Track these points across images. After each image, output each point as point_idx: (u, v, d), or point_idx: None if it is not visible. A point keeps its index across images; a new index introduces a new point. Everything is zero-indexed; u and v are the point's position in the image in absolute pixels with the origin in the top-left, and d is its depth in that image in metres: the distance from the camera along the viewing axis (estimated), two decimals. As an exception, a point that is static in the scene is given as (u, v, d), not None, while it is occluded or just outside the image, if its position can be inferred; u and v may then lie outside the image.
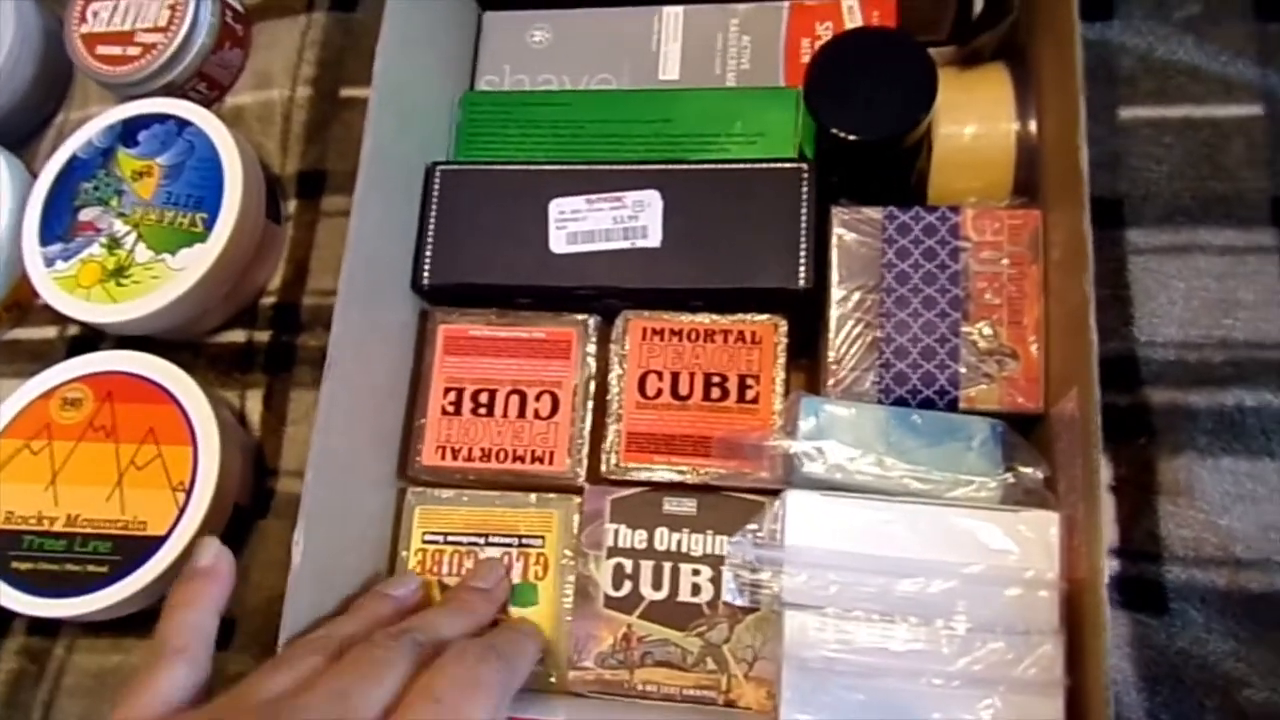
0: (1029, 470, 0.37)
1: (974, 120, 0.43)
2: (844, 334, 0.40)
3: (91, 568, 0.45)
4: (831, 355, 0.40)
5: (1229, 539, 0.42)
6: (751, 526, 0.38)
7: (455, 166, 0.47)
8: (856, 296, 0.41)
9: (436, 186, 0.46)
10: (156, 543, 0.45)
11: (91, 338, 0.55)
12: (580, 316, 0.45)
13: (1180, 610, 0.42)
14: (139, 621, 0.48)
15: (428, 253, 0.46)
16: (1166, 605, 0.42)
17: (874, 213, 0.41)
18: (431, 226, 0.46)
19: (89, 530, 0.46)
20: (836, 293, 0.41)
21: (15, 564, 0.46)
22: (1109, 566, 0.42)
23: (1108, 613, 0.32)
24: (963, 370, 0.39)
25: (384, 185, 0.43)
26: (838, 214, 0.41)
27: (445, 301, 0.47)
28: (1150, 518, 0.43)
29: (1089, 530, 0.33)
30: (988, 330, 0.40)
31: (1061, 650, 0.34)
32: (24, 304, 0.56)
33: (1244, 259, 0.46)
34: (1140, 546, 0.43)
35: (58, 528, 0.46)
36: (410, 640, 0.34)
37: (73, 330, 0.56)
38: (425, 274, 0.46)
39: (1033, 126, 0.43)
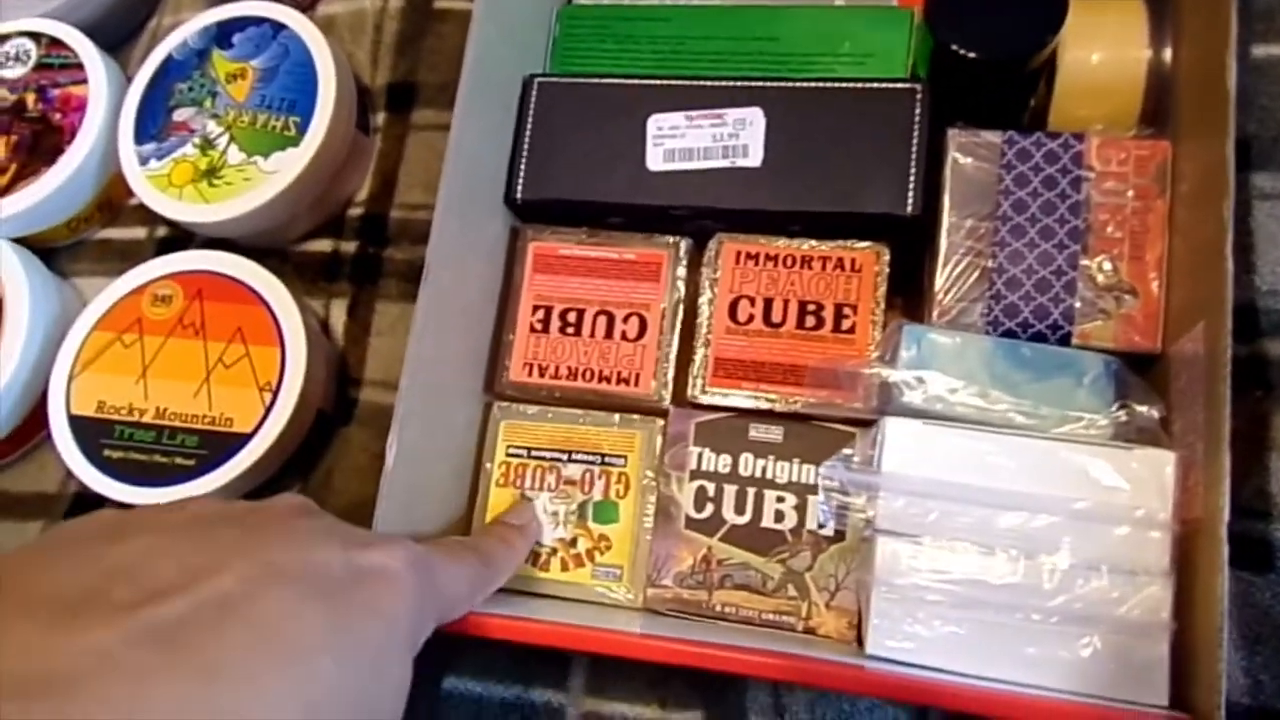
0: (1144, 409, 0.35)
1: (1103, 45, 0.41)
2: (954, 263, 0.39)
3: (179, 460, 0.46)
4: (939, 284, 0.39)
5: (1344, 501, 0.40)
6: (847, 452, 0.37)
7: (553, 79, 0.46)
8: (969, 224, 0.39)
9: (533, 99, 0.46)
10: (242, 440, 0.46)
11: (180, 239, 0.55)
12: (671, 239, 0.44)
13: (1288, 570, 0.40)
14: (221, 518, 0.48)
15: (522, 166, 0.45)
16: (1273, 564, 0.40)
17: (993, 137, 0.39)
18: (527, 140, 0.45)
19: (177, 424, 0.47)
20: (948, 219, 0.39)
21: (107, 451, 0.47)
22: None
23: (1225, 554, 0.30)
24: (1078, 305, 0.38)
25: (484, 97, 0.43)
26: (954, 137, 0.40)
27: (537, 217, 0.46)
28: (1262, 474, 0.41)
29: (1211, 469, 0.32)
30: (1108, 265, 0.38)
31: (1170, 593, 0.33)
32: (116, 203, 0.57)
33: (1380, 209, 0.43)
34: (1248, 503, 0.41)
35: (147, 419, 0.47)
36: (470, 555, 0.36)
37: (162, 232, 0.56)
38: (519, 188, 0.45)
39: (1167, 55, 0.40)
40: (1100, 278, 0.38)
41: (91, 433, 0.48)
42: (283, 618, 0.25)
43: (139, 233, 0.57)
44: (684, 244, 0.45)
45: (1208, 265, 0.34)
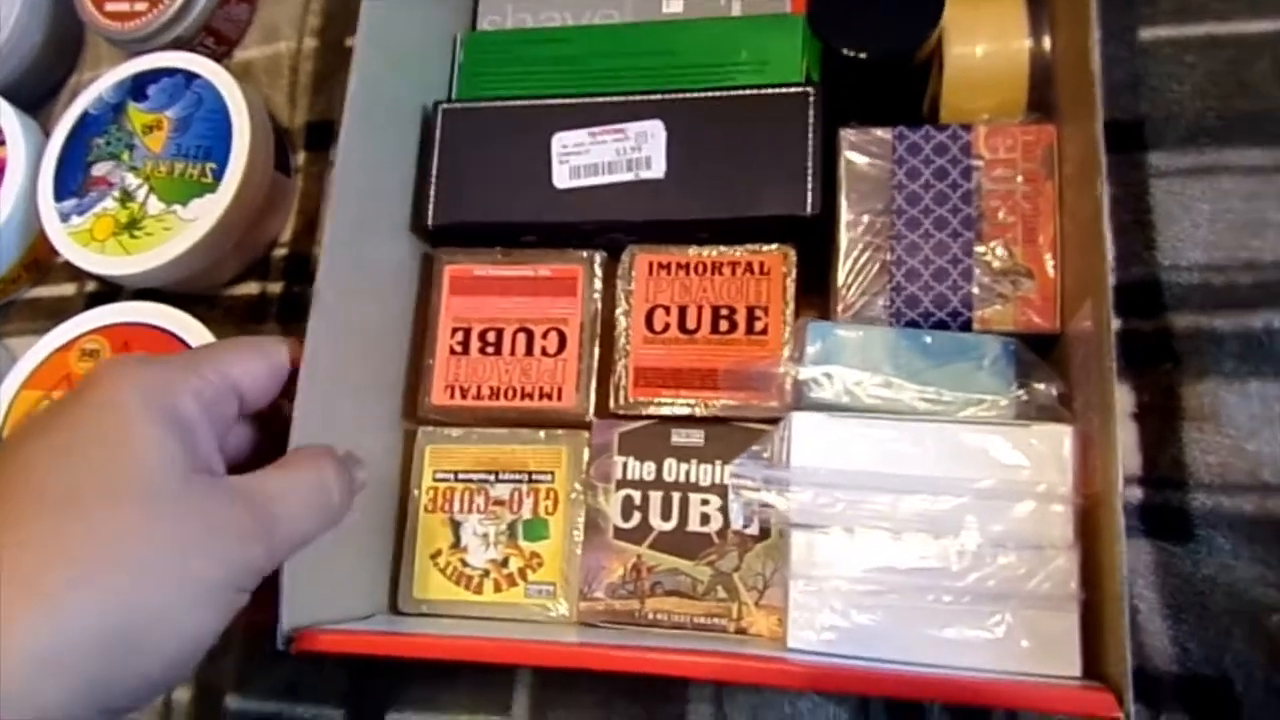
0: (1042, 386, 0.36)
1: (986, 38, 0.42)
2: (854, 258, 0.40)
3: (110, 511, 0.46)
4: (841, 279, 0.40)
5: (1257, 464, 0.41)
6: (757, 448, 0.37)
7: (458, 105, 0.46)
8: (866, 219, 0.40)
9: (439, 126, 0.46)
10: (173, 486, 0.46)
11: (109, 293, 0.56)
12: (585, 253, 0.45)
13: (1206, 537, 0.41)
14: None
15: (431, 193, 0.46)
16: (1192, 532, 0.41)
17: (883, 133, 0.40)
18: (434, 166, 0.46)
19: (107, 475, 0.47)
20: (846, 216, 0.40)
21: (36, 508, 0.47)
22: (1133, 495, 0.41)
23: (1122, 524, 0.31)
24: (976, 291, 0.38)
25: (373, 127, 0.43)
26: (846, 136, 0.40)
27: (450, 242, 0.46)
28: (1175, 444, 0.42)
29: (1104, 441, 0.32)
30: (1001, 250, 0.39)
31: (1076, 564, 0.33)
32: (43, 262, 0.57)
33: (1272, 178, 0.44)
34: (1165, 473, 0.42)
35: (77, 473, 0.47)
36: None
37: (91, 287, 0.56)
38: (429, 214, 0.45)
39: (1046, 44, 0.41)
40: (995, 263, 0.38)
41: (22, 491, 0.47)
42: None
43: (68, 289, 0.57)
44: (599, 257, 0.45)
45: (1092, 244, 0.35)
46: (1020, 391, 0.36)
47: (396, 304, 0.46)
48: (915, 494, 0.34)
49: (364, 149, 0.42)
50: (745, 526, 0.39)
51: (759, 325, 0.42)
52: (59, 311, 0.56)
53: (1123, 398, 0.43)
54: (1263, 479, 0.41)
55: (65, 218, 0.52)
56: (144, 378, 0.29)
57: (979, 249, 0.39)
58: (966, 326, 0.38)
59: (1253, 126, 0.45)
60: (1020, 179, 0.39)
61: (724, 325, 0.43)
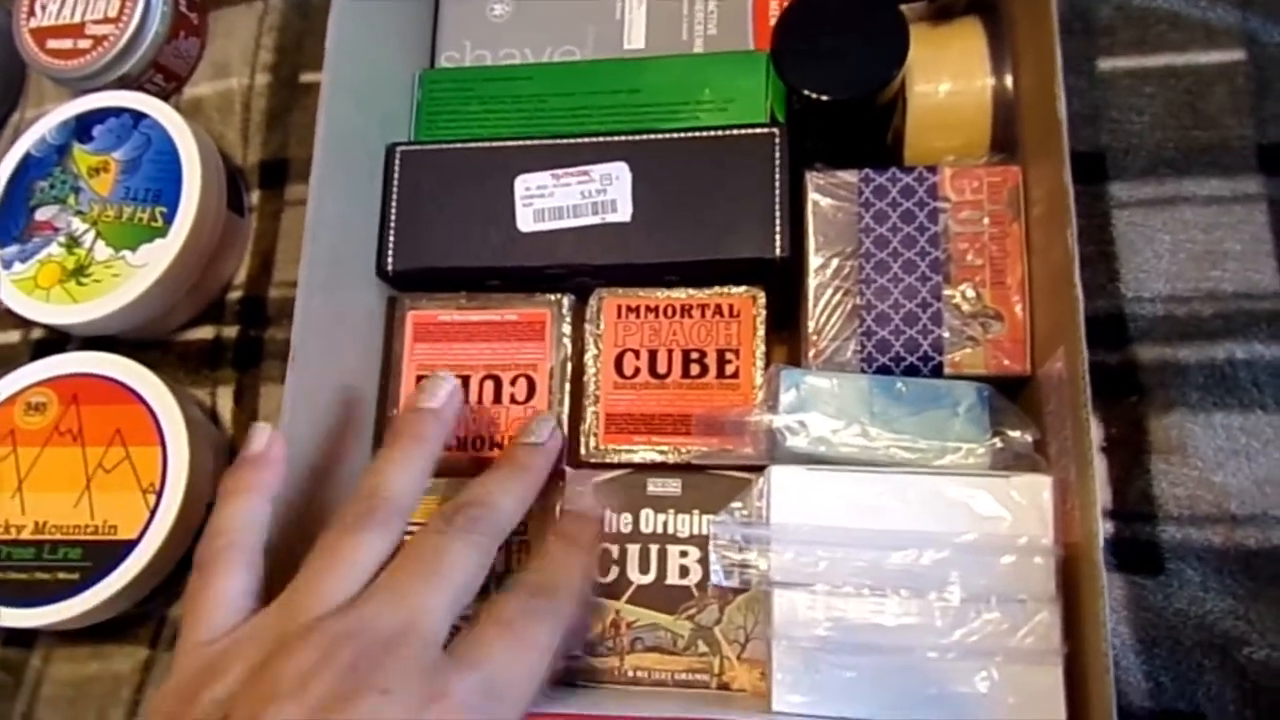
0: (1018, 434, 0.36)
1: (948, 77, 0.42)
2: (823, 303, 0.39)
3: (62, 575, 0.44)
4: (811, 325, 0.39)
5: (1224, 495, 0.42)
6: (736, 505, 0.36)
7: (416, 147, 0.45)
8: (835, 263, 0.39)
9: (397, 168, 0.45)
10: (128, 547, 0.44)
11: (57, 340, 0.54)
12: (553, 296, 0.44)
13: (1177, 570, 0.41)
14: (116, 628, 0.46)
15: (391, 237, 0.44)
16: (1162, 565, 0.41)
17: (849, 176, 0.40)
18: (394, 210, 0.45)
19: (58, 537, 0.45)
20: (814, 260, 0.40)
21: (-16, 575, 0.45)
22: (1104, 528, 0.42)
23: (1104, 577, 0.31)
24: (946, 334, 0.38)
25: (342, 168, 0.42)
26: (812, 179, 0.40)
27: (412, 287, 0.45)
28: (1143, 477, 0.42)
29: (1082, 493, 0.32)
30: (970, 292, 0.38)
31: (1059, 617, 0.33)
32: (-16, 309, 0.54)
33: (1230, 208, 0.45)
34: (1134, 507, 0.42)
35: (25, 536, 0.45)
36: (468, 520, 0.33)
37: (37, 333, 0.54)
38: (389, 259, 0.44)
39: (1009, 81, 0.41)
40: (965, 306, 0.38)
41: (-33, 556, 0.45)
42: None
43: (13, 336, 0.55)
44: (567, 301, 0.44)
45: (1062, 289, 0.35)
46: (995, 439, 0.36)
47: (369, 351, 0.44)
48: (898, 550, 0.33)
49: (335, 194, 0.41)
50: (721, 582, 0.39)
51: (730, 368, 0.42)
52: (4, 360, 0.54)
53: (1092, 432, 0.43)
54: (1230, 510, 0.41)
55: (8, 264, 0.50)
56: None
57: (948, 292, 0.39)
58: (938, 370, 0.38)
59: (1210, 157, 0.46)
60: (987, 220, 0.39)
61: (695, 369, 0.42)
